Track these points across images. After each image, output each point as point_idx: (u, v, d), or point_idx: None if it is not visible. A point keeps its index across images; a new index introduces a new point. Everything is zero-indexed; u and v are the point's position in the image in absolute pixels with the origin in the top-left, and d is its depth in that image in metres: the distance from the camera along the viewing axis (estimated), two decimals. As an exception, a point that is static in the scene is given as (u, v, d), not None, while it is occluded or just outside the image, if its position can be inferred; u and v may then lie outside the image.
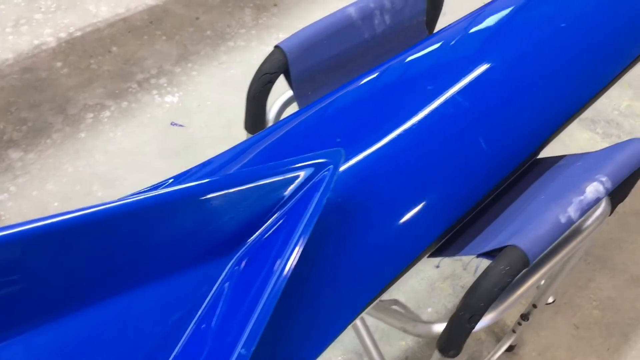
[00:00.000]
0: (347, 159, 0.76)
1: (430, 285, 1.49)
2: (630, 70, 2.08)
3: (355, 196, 0.74)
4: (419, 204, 0.78)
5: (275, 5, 2.08)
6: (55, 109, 1.67)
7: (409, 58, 0.91)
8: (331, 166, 0.67)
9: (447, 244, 0.84)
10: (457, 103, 0.84)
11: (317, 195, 0.64)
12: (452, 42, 0.94)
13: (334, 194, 0.73)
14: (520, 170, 0.93)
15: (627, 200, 1.74)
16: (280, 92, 0.97)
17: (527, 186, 0.91)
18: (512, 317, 1.37)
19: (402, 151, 0.78)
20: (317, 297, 0.70)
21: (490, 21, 0.97)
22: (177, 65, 1.84)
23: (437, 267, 0.90)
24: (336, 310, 0.73)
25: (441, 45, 0.94)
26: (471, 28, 0.99)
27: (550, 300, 1.46)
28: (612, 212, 0.98)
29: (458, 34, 0.97)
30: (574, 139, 1.86)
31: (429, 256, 0.84)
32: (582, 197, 0.76)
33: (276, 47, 0.90)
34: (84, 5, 1.95)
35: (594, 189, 0.77)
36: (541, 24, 0.95)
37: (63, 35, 1.86)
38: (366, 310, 0.78)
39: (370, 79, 0.88)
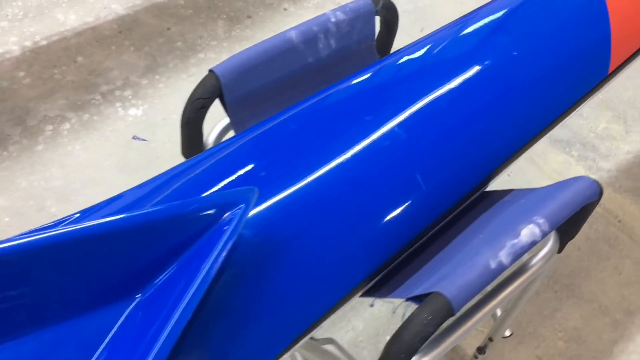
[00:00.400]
0: (271, 194, 0.71)
1: (391, 312, 1.45)
2: (609, 91, 2.05)
3: (277, 233, 0.70)
4: (347, 241, 0.74)
5: (249, 17, 2.05)
6: (13, 120, 1.63)
7: (350, 85, 0.87)
8: (242, 205, 0.63)
9: (381, 283, 0.80)
10: (394, 135, 0.80)
11: (224, 238, 0.60)
12: (397, 69, 0.91)
13: (252, 231, 0.68)
14: (466, 203, 0.89)
15: (599, 226, 1.70)
16: (223, 116, 0.94)
17: (469, 222, 0.87)
18: (473, 347, 1.33)
19: (332, 186, 0.74)
20: (230, 340, 0.66)
21: (438, 48, 0.93)
22: (144, 77, 1.80)
23: (372, 305, 0.86)
24: (254, 353, 0.68)
25: (385, 72, 0.91)
26: (418, 54, 0.95)
27: (507, 333, 1.42)
28: (560, 249, 0.94)
29: (405, 60, 0.93)
30: (548, 161, 1.82)
31: (361, 295, 0.80)
32: (516, 241, 0.72)
33: (210, 70, 0.86)
34: (52, 13, 1.92)
35: (529, 232, 0.73)
36: (491, 52, 0.91)
37: (28, 44, 1.82)
38: (295, 348, 0.74)
39: (307, 106, 0.84)
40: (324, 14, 0.94)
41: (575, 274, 1.59)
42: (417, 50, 0.96)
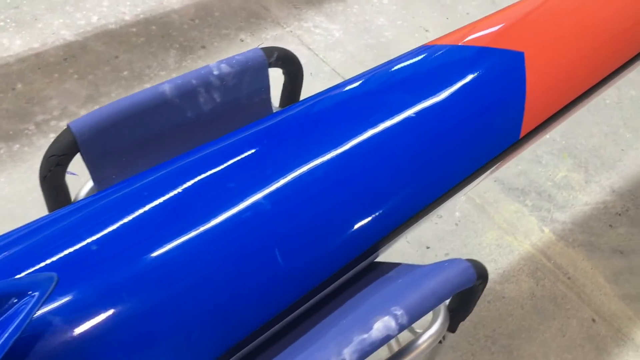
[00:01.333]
0: (100, 272, 0.64)
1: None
2: (573, 137, 1.98)
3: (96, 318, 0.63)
4: (193, 322, 0.66)
5: (203, 47, 1.99)
6: (-61, 149, 1.57)
7: (221, 146, 0.81)
8: (36, 293, 0.56)
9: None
10: (258, 206, 0.73)
11: (6, 334, 0.53)
12: (276, 130, 0.84)
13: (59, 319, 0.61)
14: (352, 272, 0.82)
15: (546, 282, 1.61)
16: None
17: (344, 300, 0.79)
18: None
19: (179, 260, 0.67)
20: None
21: (324, 110, 0.87)
22: (84, 107, 1.74)
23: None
24: None
25: (264, 132, 0.84)
26: (308, 110, 0.88)
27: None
28: (454, 329, 0.86)
29: (288, 120, 0.87)
30: (500, 210, 1.74)
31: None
32: (366, 336, 0.64)
33: (68, 125, 0.80)
34: (-2, 37, 1.87)
35: (383, 325, 0.65)
36: (385, 113, 0.85)
37: (-32, 68, 1.77)
38: None
39: (171, 170, 0.78)
40: (206, 67, 0.88)
41: (516, 334, 1.50)
42: (308, 107, 0.90)
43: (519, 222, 1.73)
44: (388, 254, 1.60)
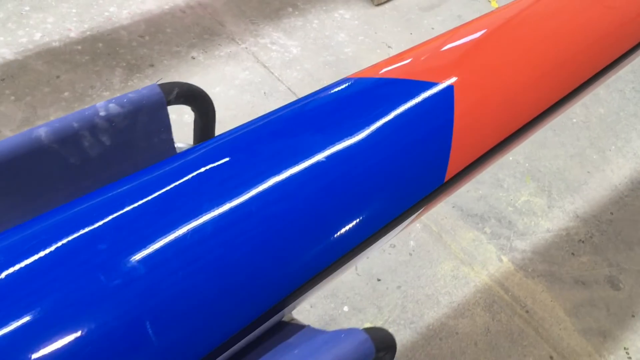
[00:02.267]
0: None
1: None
2: (537, 160, 1.90)
3: None
4: None
5: (151, 65, 1.91)
6: None
7: (97, 200, 0.72)
8: None
9: None
10: (130, 270, 0.65)
11: None
12: (170, 177, 0.75)
13: None
14: (259, 329, 0.73)
15: (502, 317, 1.53)
16: None
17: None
18: None
19: (36, 332, 0.59)
20: None
21: (231, 153, 0.78)
22: (19, 130, 1.65)
23: None
24: None
25: (154, 180, 0.75)
26: (208, 158, 0.80)
27: None
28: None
29: (188, 164, 0.78)
30: (457, 238, 1.66)
31: None
32: None
33: None
34: None
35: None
36: (279, 164, 0.76)
37: None
38: None
39: (36, 228, 0.69)
40: (91, 107, 0.79)
41: (468, 374, 1.42)
42: (210, 151, 0.81)
43: (476, 251, 1.65)
44: (337, 286, 1.52)
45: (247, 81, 1.93)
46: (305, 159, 0.79)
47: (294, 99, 1.94)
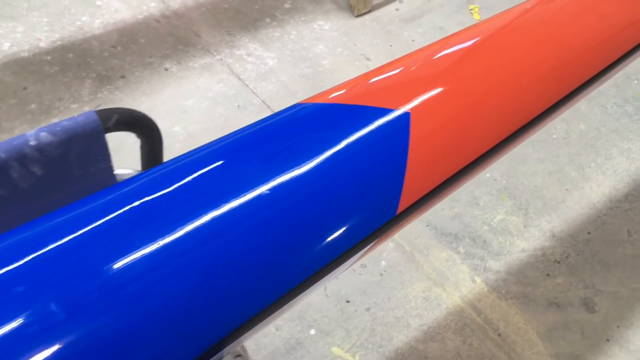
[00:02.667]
0: None
1: None
2: (514, 177, 1.87)
3: None
4: None
5: (122, 77, 1.87)
6: None
7: (21, 236, 0.68)
8: None
9: None
10: (48, 315, 0.61)
11: None
12: (99, 211, 0.71)
13: None
14: None
15: (473, 340, 1.50)
16: None
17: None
18: None
19: None
20: None
21: (156, 183, 0.74)
22: (-18, 144, 1.61)
23: None
24: None
25: (89, 213, 0.71)
26: (149, 188, 0.76)
27: None
28: None
29: (122, 196, 0.74)
30: (430, 258, 1.63)
31: None
32: None
33: None
34: None
35: None
36: (218, 198, 0.73)
37: None
38: None
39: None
40: (20, 136, 0.75)
41: (436, 400, 1.38)
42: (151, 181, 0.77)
43: (449, 271, 1.61)
44: (305, 308, 1.48)
45: (221, 94, 1.89)
46: (245, 192, 0.76)
47: (268, 112, 1.90)
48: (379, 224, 0.85)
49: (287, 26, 2.17)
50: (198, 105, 1.84)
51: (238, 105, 1.87)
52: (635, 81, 2.26)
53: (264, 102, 1.91)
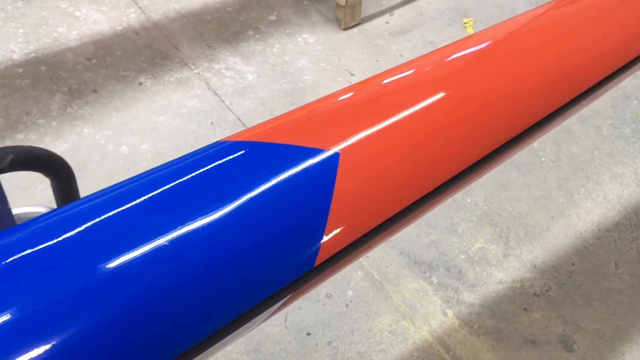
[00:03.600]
0: None
1: None
2: (496, 202, 1.78)
3: None
4: None
5: (94, 91, 1.82)
6: None
7: None
8: None
9: None
10: None
11: None
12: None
13: None
14: None
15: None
16: None
17: None
18: None
19: None
20: None
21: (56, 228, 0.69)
22: (-58, 160, 1.58)
23: None
24: None
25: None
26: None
27: None
28: None
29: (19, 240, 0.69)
30: (400, 288, 1.55)
31: None
32: None
33: None
34: None
35: None
36: (117, 248, 0.67)
37: None
38: None
39: None
40: None
41: None
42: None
43: (420, 303, 1.53)
44: (262, 340, 1.42)
45: (195, 110, 1.84)
46: (145, 243, 0.69)
47: (242, 129, 1.84)
48: (291, 278, 0.78)
49: (270, 39, 2.11)
50: (170, 122, 1.79)
51: (212, 122, 1.82)
52: (635, 101, 2.16)
53: (239, 119, 1.85)
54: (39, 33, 1.94)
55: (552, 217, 1.77)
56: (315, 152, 0.83)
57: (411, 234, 1.67)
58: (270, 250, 0.76)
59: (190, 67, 1.96)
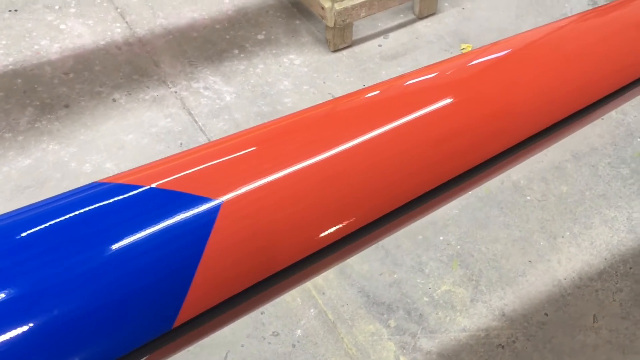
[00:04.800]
0: None
1: None
2: (472, 242, 1.68)
3: None
4: None
5: (66, 106, 1.80)
6: None
7: None
8: None
9: None
10: None
11: None
12: None
13: None
14: None
15: None
16: None
17: None
18: None
19: None
20: None
21: None
22: None
23: None
24: None
25: None
26: None
27: None
28: None
29: None
30: (353, 330, 1.47)
31: None
32: None
33: None
34: None
35: None
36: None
37: None
38: None
39: None
40: None
41: None
42: None
43: (372, 348, 1.45)
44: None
45: (166, 129, 1.80)
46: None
47: (212, 152, 1.79)
48: (145, 338, 0.71)
49: (255, 59, 2.06)
50: (138, 141, 1.76)
51: (181, 144, 1.78)
52: (639, 139, 2.02)
53: (210, 140, 1.80)
54: (20, 45, 1.94)
55: (529, 262, 1.66)
56: (194, 201, 0.76)
57: (373, 272, 1.58)
58: (124, 306, 0.70)
59: (168, 85, 1.92)
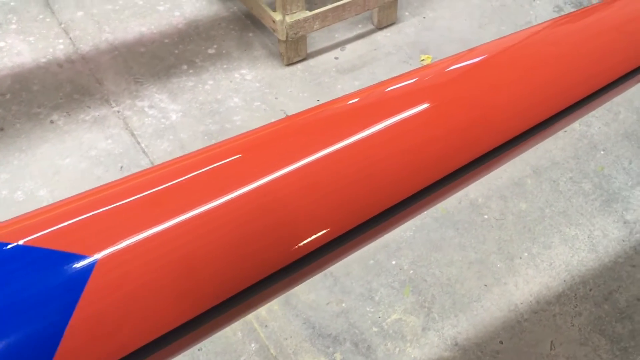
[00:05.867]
0: None
1: None
2: (425, 265, 1.61)
3: None
4: None
5: (1, 129, 1.71)
6: None
7: None
8: None
9: None
10: None
11: None
12: None
13: None
14: None
15: None
16: None
17: None
18: None
19: None
20: None
21: None
22: None
23: None
24: None
25: None
26: None
27: None
28: None
29: None
30: (296, 365, 1.39)
31: None
32: None
33: None
34: None
35: None
36: None
37: None
38: None
39: None
40: None
41: None
42: None
43: (316, 384, 1.37)
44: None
45: (106, 152, 1.72)
46: None
47: (155, 175, 1.71)
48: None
49: (204, 74, 1.98)
50: (75, 165, 1.67)
51: (121, 167, 1.69)
52: (602, 152, 1.96)
53: (152, 163, 1.72)
54: (-45, 65, 1.85)
55: (485, 285, 1.59)
56: (65, 259, 0.68)
57: (320, 301, 1.51)
58: None
59: (111, 104, 1.84)
